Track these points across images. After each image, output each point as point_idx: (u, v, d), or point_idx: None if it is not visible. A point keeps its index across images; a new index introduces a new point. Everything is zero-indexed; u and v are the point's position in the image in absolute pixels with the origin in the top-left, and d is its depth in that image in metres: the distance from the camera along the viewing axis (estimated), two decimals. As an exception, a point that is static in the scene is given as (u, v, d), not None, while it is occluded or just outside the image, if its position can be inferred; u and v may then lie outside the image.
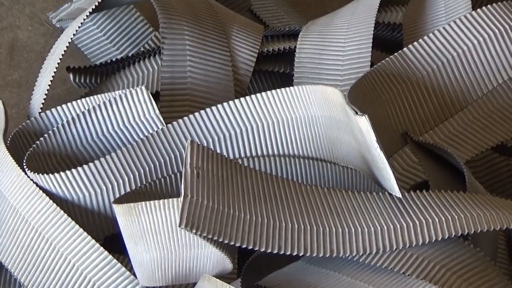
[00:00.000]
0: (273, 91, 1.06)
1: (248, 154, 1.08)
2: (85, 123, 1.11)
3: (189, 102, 1.19)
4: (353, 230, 0.93)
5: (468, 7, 1.18)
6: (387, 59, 1.10)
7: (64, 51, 1.18)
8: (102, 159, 1.04)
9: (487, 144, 1.11)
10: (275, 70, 1.25)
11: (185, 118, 1.08)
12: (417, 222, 0.93)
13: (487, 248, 1.01)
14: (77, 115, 1.11)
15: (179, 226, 0.87)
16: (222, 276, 0.95)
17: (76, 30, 1.19)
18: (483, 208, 0.94)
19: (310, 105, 1.03)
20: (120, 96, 1.10)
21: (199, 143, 0.96)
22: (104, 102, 1.10)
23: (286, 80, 1.25)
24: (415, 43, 1.11)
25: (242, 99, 1.07)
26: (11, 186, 1.06)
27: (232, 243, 0.89)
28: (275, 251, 0.90)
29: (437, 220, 0.93)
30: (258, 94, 1.07)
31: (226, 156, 0.97)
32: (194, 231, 0.87)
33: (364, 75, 1.08)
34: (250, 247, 0.89)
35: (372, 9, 1.21)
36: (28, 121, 1.15)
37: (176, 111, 1.17)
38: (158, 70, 1.23)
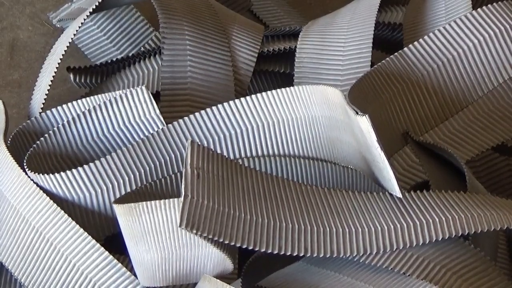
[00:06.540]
0: (273, 91, 1.06)
1: (248, 154, 1.08)
2: (85, 123, 1.11)
3: (189, 102, 1.19)
4: (353, 230, 0.93)
5: (468, 7, 1.18)
6: (387, 59, 1.10)
7: (65, 51, 1.18)
8: (102, 159, 1.04)
9: (487, 144, 1.11)
10: (275, 70, 1.25)
11: (186, 118, 1.08)
12: (417, 222, 0.93)
13: (487, 248, 1.01)
14: (77, 115, 1.11)
15: (179, 226, 0.87)
16: (223, 277, 0.95)
17: (77, 30, 1.19)
18: (483, 208, 0.94)
19: (310, 105, 1.03)
20: (120, 96, 1.10)
21: (199, 143, 0.96)
22: (104, 102, 1.10)
23: (286, 80, 1.25)
24: (415, 43, 1.11)
25: (242, 99, 1.07)
26: (12, 186, 1.06)
27: (233, 243, 0.89)
28: (276, 252, 0.90)
29: (437, 220, 0.93)
30: (258, 94, 1.07)
31: (226, 156, 0.97)
32: (194, 231, 0.87)
33: (364, 75, 1.08)
34: (250, 248, 0.89)
35: (373, 9, 1.21)
36: (28, 121, 1.15)
37: (176, 111, 1.17)
38: (159, 70, 1.23)
